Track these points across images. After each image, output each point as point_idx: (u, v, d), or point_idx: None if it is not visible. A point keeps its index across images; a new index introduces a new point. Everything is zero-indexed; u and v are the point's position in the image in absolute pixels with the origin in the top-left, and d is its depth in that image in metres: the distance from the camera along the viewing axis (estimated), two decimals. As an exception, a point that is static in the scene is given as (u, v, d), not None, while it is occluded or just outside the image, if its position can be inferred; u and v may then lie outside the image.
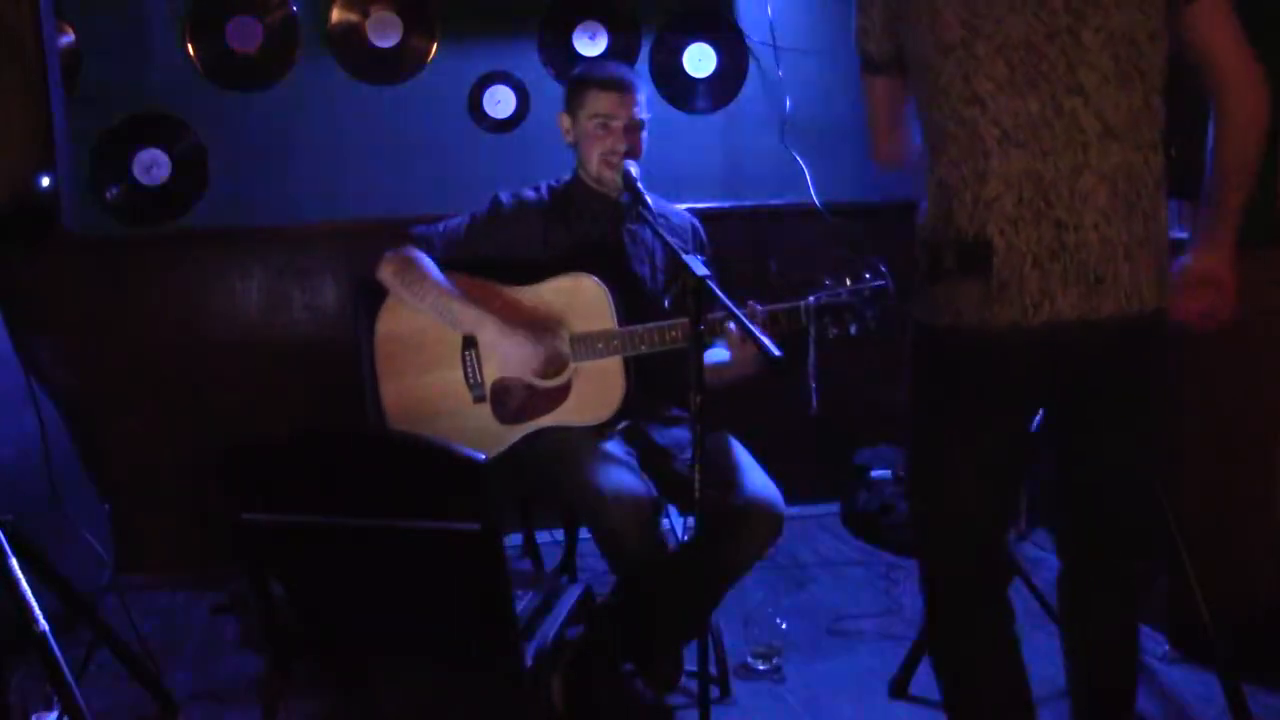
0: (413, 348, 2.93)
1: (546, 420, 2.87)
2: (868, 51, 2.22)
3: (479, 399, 2.90)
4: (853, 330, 2.70)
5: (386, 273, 2.91)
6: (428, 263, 2.90)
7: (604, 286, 2.84)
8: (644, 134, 2.94)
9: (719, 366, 2.87)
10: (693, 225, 3.12)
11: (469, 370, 2.90)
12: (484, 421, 2.89)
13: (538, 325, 2.84)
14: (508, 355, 2.83)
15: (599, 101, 2.90)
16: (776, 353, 2.19)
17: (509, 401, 2.89)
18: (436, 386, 2.91)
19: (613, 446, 2.84)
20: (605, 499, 2.63)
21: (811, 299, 2.71)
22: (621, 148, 2.88)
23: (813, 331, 2.70)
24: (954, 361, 2.15)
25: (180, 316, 3.83)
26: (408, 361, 2.94)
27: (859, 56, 2.24)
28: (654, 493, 2.73)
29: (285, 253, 3.87)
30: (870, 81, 2.26)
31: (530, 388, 2.87)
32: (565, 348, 2.85)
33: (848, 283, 2.71)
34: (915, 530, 2.34)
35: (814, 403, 2.62)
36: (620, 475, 2.69)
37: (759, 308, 2.69)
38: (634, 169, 2.84)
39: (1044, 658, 2.55)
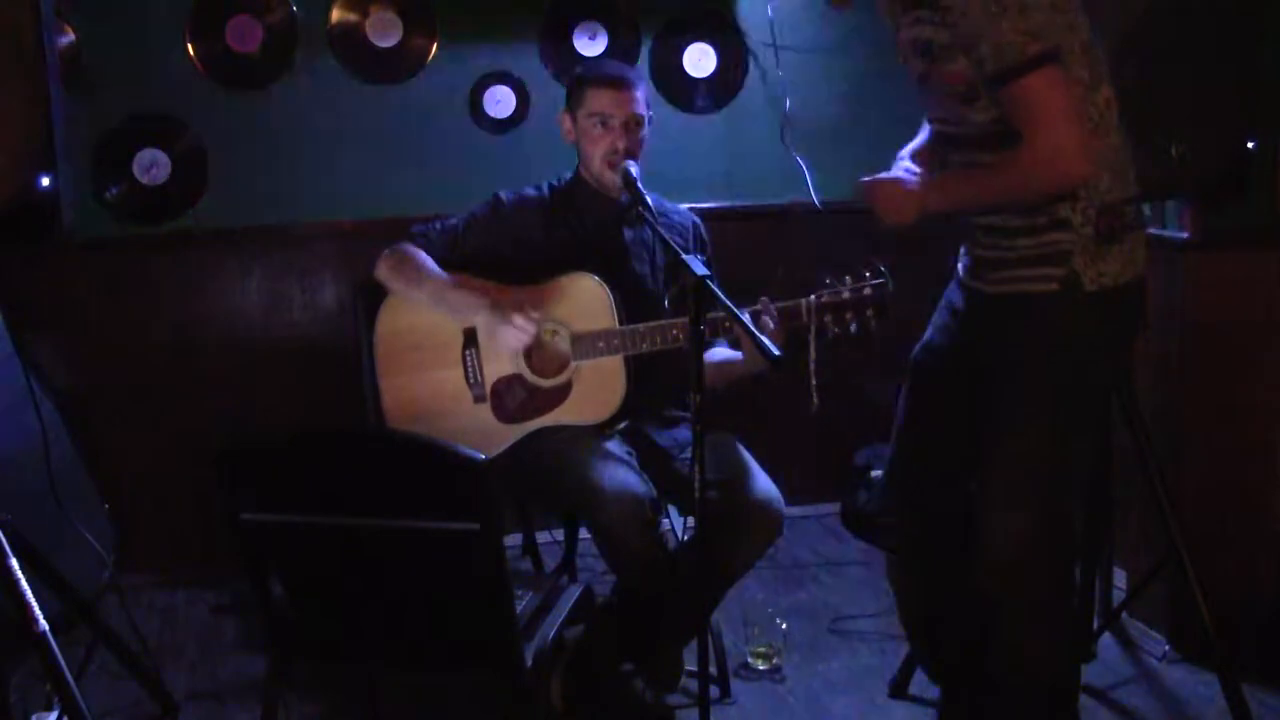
0: (413, 346, 2.93)
1: (547, 419, 2.87)
2: (1059, 44, 2.15)
3: (479, 398, 2.90)
4: (853, 329, 2.70)
5: (383, 269, 2.92)
6: (424, 257, 2.91)
7: (605, 286, 2.84)
8: (644, 131, 2.94)
9: (730, 364, 2.88)
10: (694, 224, 3.11)
11: (469, 369, 2.90)
12: (484, 421, 2.89)
13: (535, 309, 2.83)
14: (503, 335, 2.82)
15: (597, 99, 2.90)
16: (775, 352, 2.20)
17: (509, 401, 2.89)
18: (436, 385, 2.91)
19: (612, 446, 2.84)
20: (605, 497, 2.63)
21: (812, 297, 2.71)
22: (621, 145, 2.88)
23: (813, 329, 2.70)
24: (1138, 311, 2.37)
25: (180, 316, 3.82)
26: (408, 360, 2.94)
27: (1046, 52, 2.13)
28: (653, 492, 2.72)
29: (285, 253, 3.87)
30: (1056, 75, 2.14)
31: (531, 387, 2.87)
32: (566, 346, 2.85)
33: (848, 281, 2.71)
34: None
35: (815, 400, 2.62)
36: (620, 473, 2.69)
37: (771, 304, 2.69)
38: (633, 169, 2.84)
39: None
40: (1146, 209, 2.41)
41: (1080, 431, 2.37)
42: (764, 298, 2.69)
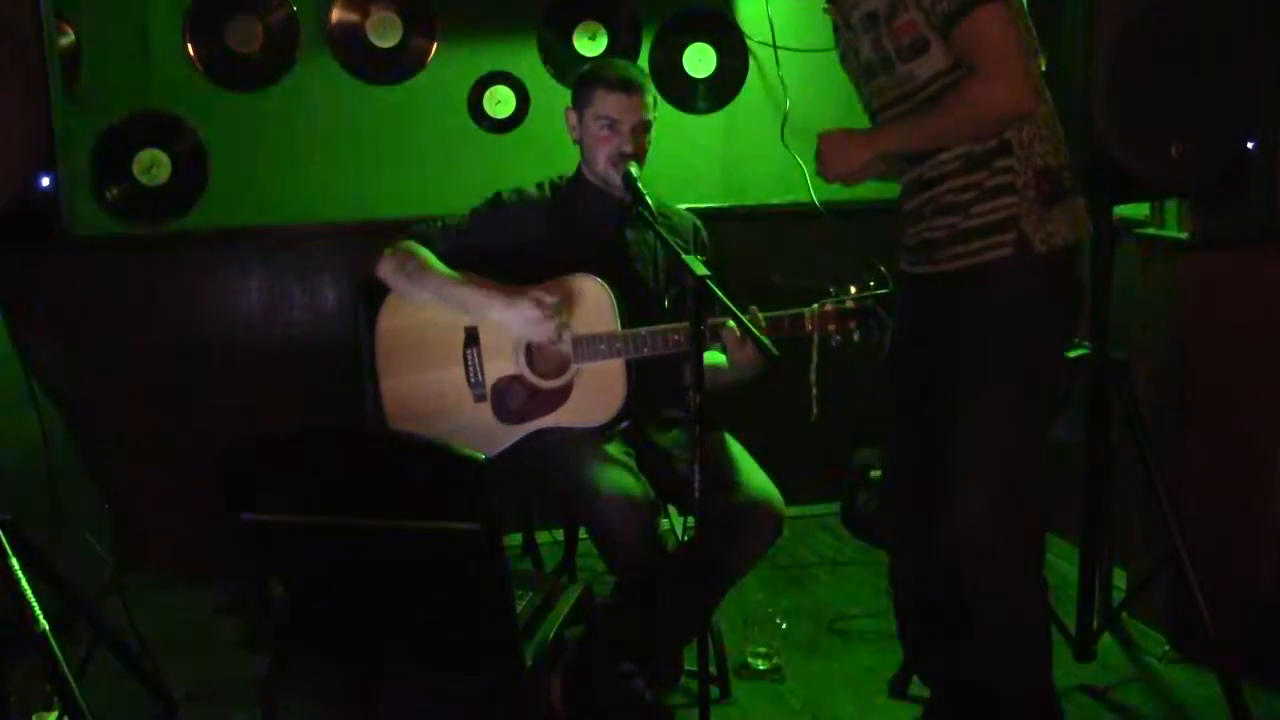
0: (414, 345, 2.93)
1: (547, 421, 2.86)
2: None
3: (479, 398, 2.89)
4: (856, 337, 2.71)
5: (386, 268, 2.91)
6: (426, 254, 2.90)
7: (607, 288, 2.84)
8: (650, 135, 2.94)
9: (716, 369, 2.87)
10: (695, 225, 3.11)
11: (470, 369, 2.90)
12: (484, 421, 2.89)
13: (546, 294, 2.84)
14: (517, 323, 2.82)
15: (606, 103, 2.89)
16: (776, 352, 2.20)
17: (510, 401, 2.89)
18: (437, 385, 2.91)
19: (611, 448, 2.84)
20: (602, 500, 2.63)
21: (815, 306, 2.72)
22: (628, 149, 2.88)
23: (816, 338, 2.70)
24: (1079, 275, 2.41)
25: (180, 316, 3.82)
26: (408, 359, 2.93)
27: None
28: (652, 494, 2.72)
29: (285, 253, 3.87)
30: (1003, 12, 2.24)
31: (531, 387, 2.87)
32: (567, 348, 2.85)
33: (852, 290, 2.72)
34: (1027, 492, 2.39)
35: (814, 409, 2.62)
36: (618, 476, 2.69)
37: (759, 313, 2.70)
38: (635, 169, 2.84)
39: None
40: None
41: (1040, 399, 2.40)
42: (752, 307, 2.70)
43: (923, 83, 2.34)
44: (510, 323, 2.83)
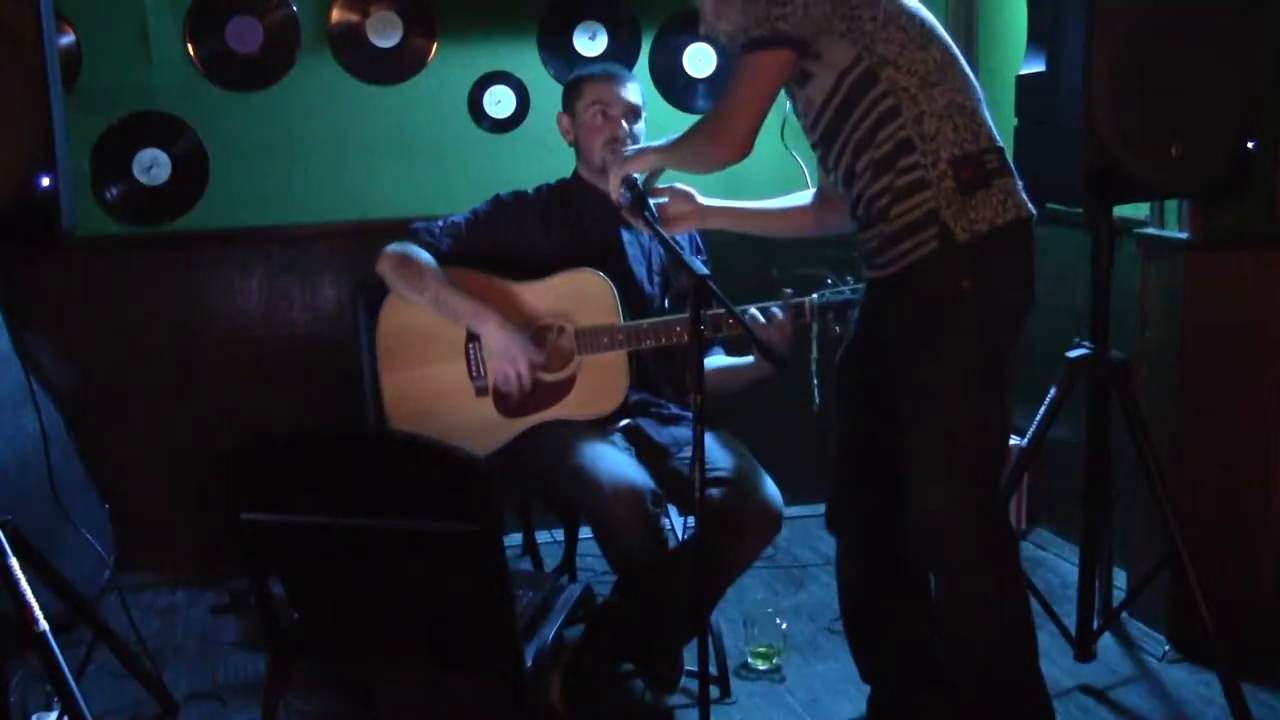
0: (416, 341, 2.93)
1: (549, 414, 2.87)
2: (792, 28, 2.25)
3: (481, 392, 2.90)
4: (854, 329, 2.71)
5: (385, 267, 2.92)
6: (427, 258, 2.91)
7: (609, 282, 2.85)
8: (641, 123, 2.96)
9: (740, 369, 2.89)
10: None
11: (472, 363, 2.90)
12: (486, 415, 2.89)
13: (540, 323, 2.84)
14: (498, 350, 2.84)
15: (594, 90, 2.94)
16: (776, 354, 2.21)
17: (512, 395, 2.89)
18: (439, 379, 2.92)
19: (613, 440, 2.84)
20: (604, 489, 2.63)
21: (815, 296, 2.72)
22: (621, 133, 2.90)
23: (815, 329, 2.71)
24: (1028, 253, 2.37)
25: (180, 316, 3.82)
26: (410, 354, 2.94)
27: (770, 35, 2.25)
28: (654, 486, 2.72)
29: (285, 253, 3.87)
30: (776, 59, 2.28)
31: (534, 381, 2.87)
32: (570, 342, 2.85)
33: (850, 281, 2.72)
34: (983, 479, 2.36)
35: (817, 398, 2.63)
36: (620, 466, 2.69)
37: (790, 293, 2.73)
38: (638, 176, 2.84)
39: (1044, 658, 2.54)
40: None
41: (987, 393, 2.35)
42: (788, 289, 2.72)
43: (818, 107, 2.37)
44: (493, 346, 2.84)
